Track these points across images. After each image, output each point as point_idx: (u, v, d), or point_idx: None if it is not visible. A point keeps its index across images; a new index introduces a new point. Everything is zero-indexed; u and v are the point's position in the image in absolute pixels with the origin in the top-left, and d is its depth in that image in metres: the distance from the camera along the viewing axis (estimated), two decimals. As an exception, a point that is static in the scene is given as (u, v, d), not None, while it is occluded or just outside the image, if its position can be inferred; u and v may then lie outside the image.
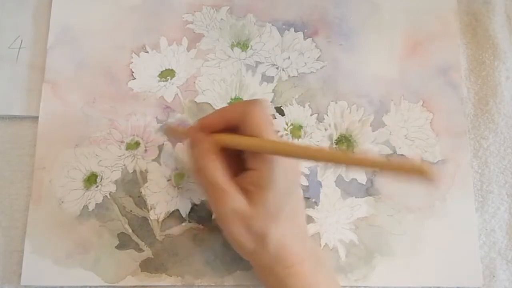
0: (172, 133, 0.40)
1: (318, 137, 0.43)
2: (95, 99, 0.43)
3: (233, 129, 0.34)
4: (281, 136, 0.43)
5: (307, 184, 0.42)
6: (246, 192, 0.33)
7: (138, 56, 0.44)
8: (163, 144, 0.42)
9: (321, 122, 0.44)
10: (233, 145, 0.34)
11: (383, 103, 0.44)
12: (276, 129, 0.35)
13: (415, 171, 0.26)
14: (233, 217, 0.33)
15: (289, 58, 0.45)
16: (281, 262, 0.34)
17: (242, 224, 0.33)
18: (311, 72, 0.45)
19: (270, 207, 0.33)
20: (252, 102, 0.34)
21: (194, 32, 0.45)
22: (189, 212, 0.41)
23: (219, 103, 0.43)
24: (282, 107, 0.44)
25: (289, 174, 0.34)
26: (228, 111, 0.35)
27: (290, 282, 0.33)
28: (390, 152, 0.43)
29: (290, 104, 0.44)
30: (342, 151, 0.29)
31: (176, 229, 0.41)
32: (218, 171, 0.33)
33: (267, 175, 0.33)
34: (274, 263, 0.34)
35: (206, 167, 0.33)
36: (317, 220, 0.41)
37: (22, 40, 0.44)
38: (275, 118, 0.43)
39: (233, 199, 0.33)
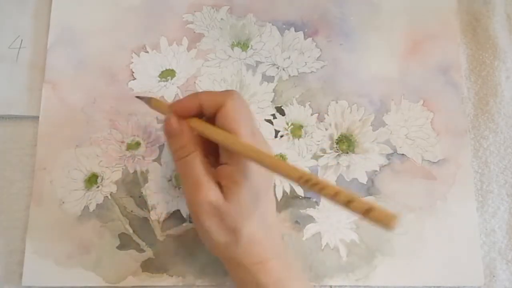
0: (156, 106, 0.38)
1: (318, 137, 0.43)
2: (95, 99, 0.43)
3: (207, 116, 0.34)
4: (282, 135, 0.43)
5: (308, 184, 0.42)
6: (221, 185, 0.33)
7: (138, 56, 0.44)
8: (163, 144, 0.42)
9: (321, 121, 0.44)
10: (206, 136, 0.33)
11: (384, 102, 0.44)
12: (255, 124, 0.34)
13: (381, 220, 0.25)
14: (208, 210, 0.33)
15: (289, 57, 0.45)
16: (251, 257, 0.34)
17: (215, 217, 0.33)
18: (312, 71, 0.45)
19: (245, 203, 0.33)
20: (230, 94, 0.33)
21: (194, 32, 0.45)
22: (190, 212, 0.41)
23: (220, 103, 0.43)
24: (282, 107, 0.44)
25: (263, 173, 0.33)
26: (203, 97, 0.34)
27: (259, 276, 0.33)
28: (391, 151, 0.43)
29: (290, 104, 0.44)
30: (314, 178, 0.27)
31: (177, 229, 0.40)
32: (197, 163, 0.33)
33: (242, 172, 0.32)
34: (244, 258, 0.34)
35: (185, 158, 0.33)
36: (318, 220, 0.41)
37: (22, 40, 0.44)
38: (275, 118, 0.43)
39: (209, 192, 0.33)
